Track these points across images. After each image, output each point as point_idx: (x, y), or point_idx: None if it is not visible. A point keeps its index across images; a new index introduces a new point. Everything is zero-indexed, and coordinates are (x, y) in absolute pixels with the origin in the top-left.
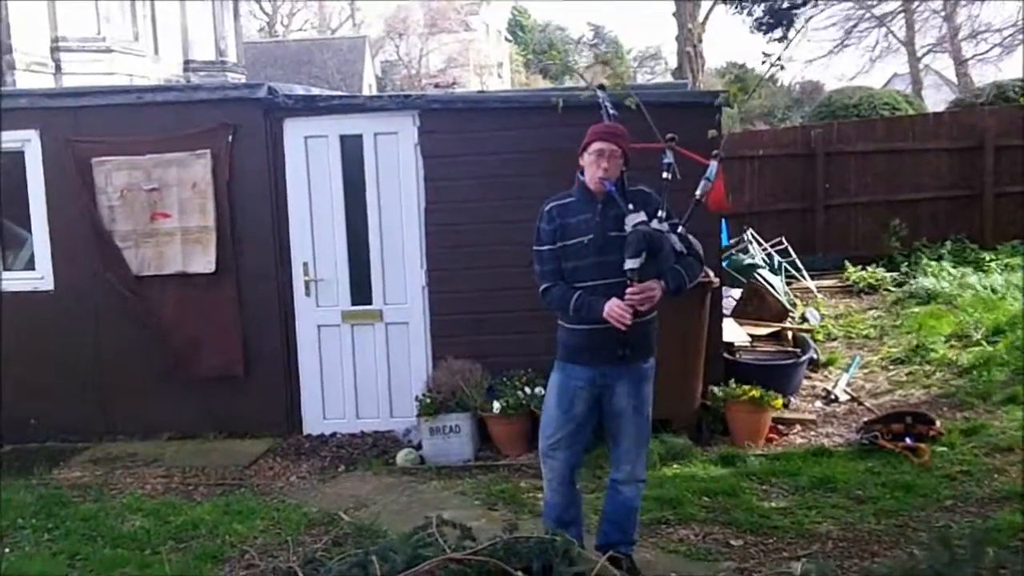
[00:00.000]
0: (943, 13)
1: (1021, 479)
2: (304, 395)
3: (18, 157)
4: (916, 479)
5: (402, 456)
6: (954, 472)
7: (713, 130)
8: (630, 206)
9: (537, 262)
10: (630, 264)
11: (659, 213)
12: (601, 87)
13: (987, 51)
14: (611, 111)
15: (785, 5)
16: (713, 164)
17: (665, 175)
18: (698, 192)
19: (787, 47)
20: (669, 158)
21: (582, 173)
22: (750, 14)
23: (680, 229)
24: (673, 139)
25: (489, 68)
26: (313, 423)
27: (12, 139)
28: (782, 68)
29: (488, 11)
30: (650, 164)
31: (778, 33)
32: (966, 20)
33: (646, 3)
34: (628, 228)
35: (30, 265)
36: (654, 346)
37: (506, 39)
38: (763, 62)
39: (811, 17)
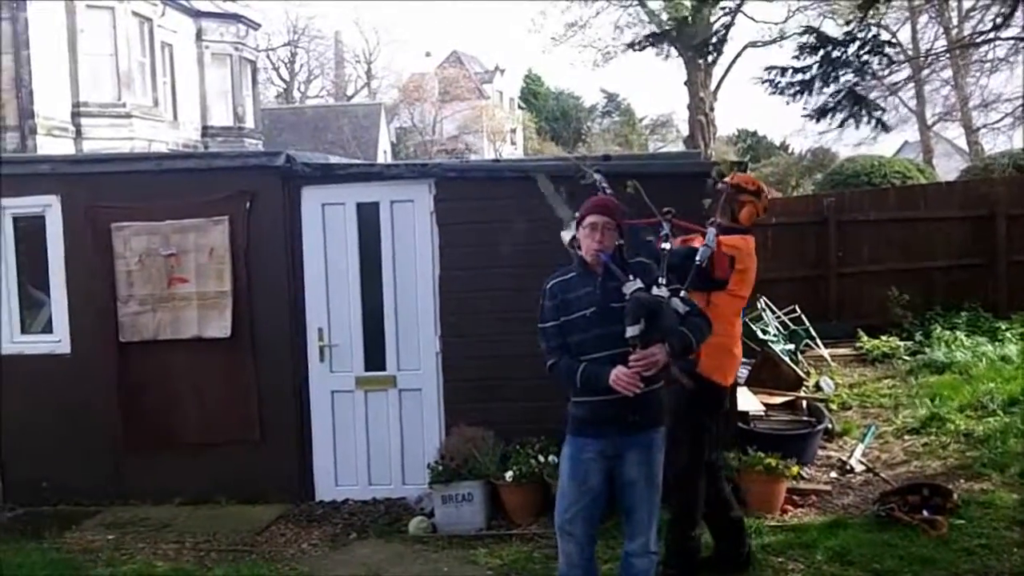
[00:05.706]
0: (952, 84)
1: None
2: (317, 461)
3: (39, 221)
4: (934, 552)
5: (414, 524)
6: (972, 546)
7: (707, 199)
8: (629, 276)
9: (543, 339)
10: (631, 331)
11: (659, 281)
12: (607, 157)
13: (998, 120)
14: (607, 189)
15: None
16: (711, 231)
17: (664, 245)
18: (698, 258)
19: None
20: (666, 229)
21: (579, 248)
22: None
23: (682, 293)
24: (670, 212)
25: (502, 134)
26: (325, 489)
27: (33, 204)
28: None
29: (501, 79)
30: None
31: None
32: (975, 89)
33: (659, 71)
34: (626, 296)
35: (47, 328)
36: (663, 414)
37: (519, 106)
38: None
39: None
